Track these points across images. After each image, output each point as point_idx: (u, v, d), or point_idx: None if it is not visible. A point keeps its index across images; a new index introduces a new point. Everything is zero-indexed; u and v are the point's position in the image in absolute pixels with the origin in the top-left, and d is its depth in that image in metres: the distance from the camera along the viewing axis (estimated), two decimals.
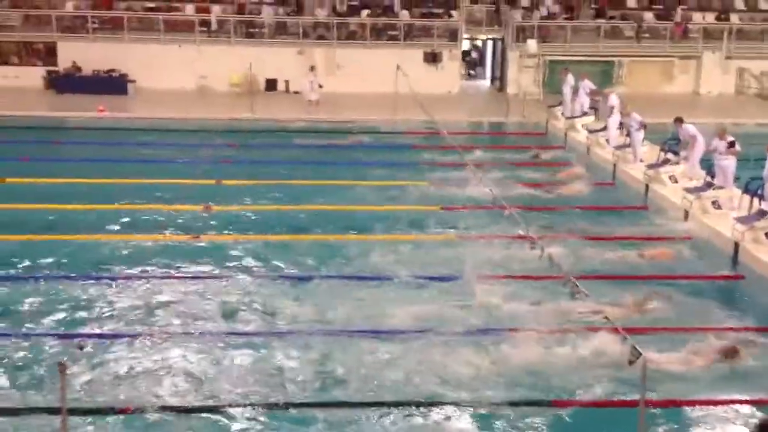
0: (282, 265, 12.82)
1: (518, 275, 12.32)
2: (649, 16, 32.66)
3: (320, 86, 26.67)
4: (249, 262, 12.94)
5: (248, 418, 8.52)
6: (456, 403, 8.82)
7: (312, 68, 27.18)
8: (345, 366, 9.59)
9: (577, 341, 10.07)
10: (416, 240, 14.21)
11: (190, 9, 31.13)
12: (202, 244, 13.75)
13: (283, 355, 9.88)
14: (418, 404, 8.80)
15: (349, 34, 31.28)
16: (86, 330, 10.41)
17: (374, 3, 32.63)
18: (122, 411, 8.49)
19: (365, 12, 31.82)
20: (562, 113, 24.58)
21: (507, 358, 9.78)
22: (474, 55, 37.11)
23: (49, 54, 29.88)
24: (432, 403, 8.81)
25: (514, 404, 8.81)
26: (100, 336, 10.22)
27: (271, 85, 30.12)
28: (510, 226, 13.65)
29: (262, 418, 8.53)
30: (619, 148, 19.86)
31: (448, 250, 13.63)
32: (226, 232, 14.45)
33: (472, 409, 8.74)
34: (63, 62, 29.36)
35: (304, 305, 11.33)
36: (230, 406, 8.73)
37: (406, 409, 8.69)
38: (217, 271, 12.54)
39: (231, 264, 12.84)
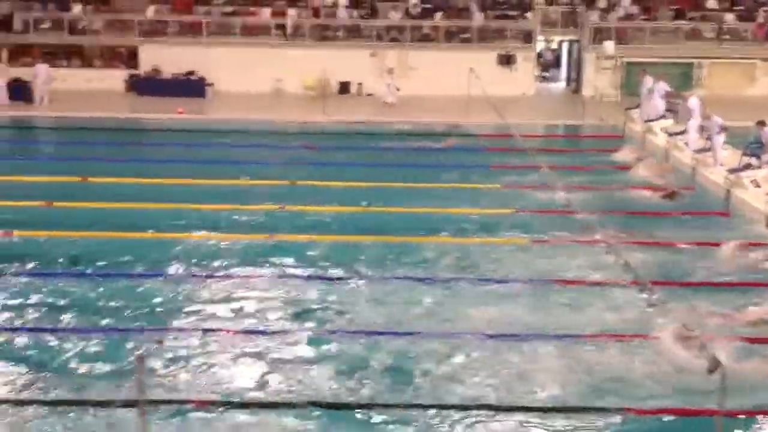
0: (354, 266, 12.88)
1: (593, 280, 12.13)
2: (730, 17, 31.69)
3: (397, 89, 26.78)
4: (322, 262, 13.05)
5: (318, 417, 8.58)
6: (530, 408, 8.73)
7: (390, 71, 27.31)
8: (419, 368, 9.59)
9: (657, 347, 9.85)
10: (489, 243, 14.10)
11: (266, 13, 31.61)
12: (276, 243, 13.93)
13: (356, 355, 9.92)
14: (491, 407, 8.72)
15: (423, 36, 31.29)
16: (165, 325, 10.66)
17: (448, 5, 32.58)
18: (197, 404, 8.67)
19: (439, 14, 31.80)
20: (640, 116, 24.09)
21: (581, 364, 9.63)
22: (549, 57, 36.68)
23: (130, 57, 30.77)
24: (506, 408, 8.72)
25: (588, 410, 8.66)
26: (178, 331, 10.45)
27: (344, 87, 30.37)
28: (585, 230, 13.43)
29: (332, 418, 8.58)
30: (699, 151, 19.35)
31: (521, 254, 13.50)
32: (299, 232, 14.60)
33: (546, 414, 8.63)
34: (144, 65, 30.20)
35: (376, 306, 11.37)
36: (303, 404, 8.80)
37: (478, 413, 8.63)
38: (290, 271, 12.69)
39: (304, 263, 12.97)
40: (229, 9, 31.82)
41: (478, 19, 31.48)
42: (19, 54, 30.25)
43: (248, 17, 31.45)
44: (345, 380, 9.33)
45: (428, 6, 32.44)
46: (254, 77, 29.67)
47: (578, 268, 12.78)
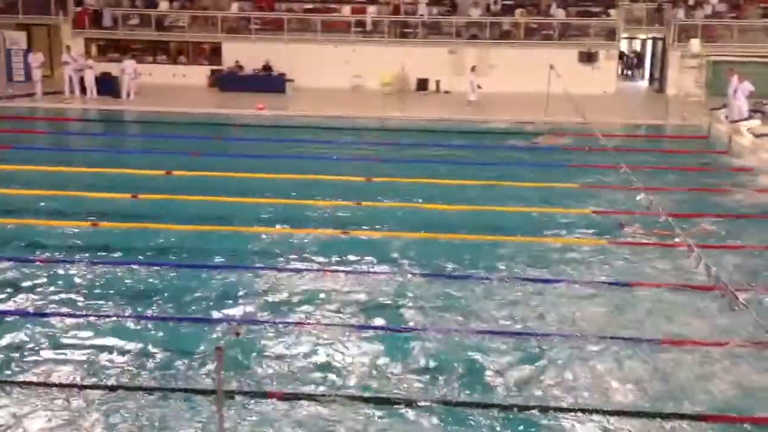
0: (429, 263, 12.90)
1: (672, 283, 11.85)
2: None
3: (479, 87, 26.69)
4: (397, 258, 13.10)
5: (393, 413, 8.63)
6: (608, 412, 8.60)
7: (473, 68, 27.23)
8: (493, 366, 9.55)
9: (744, 356, 9.58)
10: (565, 243, 13.93)
11: (346, 10, 31.90)
12: (352, 239, 14.06)
13: (429, 352, 9.95)
14: (568, 410, 8.63)
15: (503, 33, 31.05)
16: (243, 317, 10.89)
17: (529, 2, 32.23)
18: (273, 396, 8.83)
19: (519, 11, 31.50)
20: (726, 116, 23.38)
21: (658, 368, 9.44)
22: (631, 54, 35.93)
23: (214, 54, 31.50)
24: (586, 410, 8.62)
25: (667, 416, 8.49)
26: (256, 323, 10.66)
27: (422, 84, 30.39)
28: (665, 232, 13.10)
29: (408, 415, 8.61)
30: None
31: (598, 255, 13.29)
32: (375, 228, 14.69)
33: (622, 417, 8.49)
34: (227, 61, 30.84)
35: (453, 304, 11.37)
36: (379, 400, 8.86)
37: (556, 415, 8.55)
38: (365, 267, 12.79)
39: (379, 259, 13.05)
40: (310, 6, 32.22)
41: (559, 15, 31.06)
42: (107, 49, 31.31)
43: (328, 14, 31.77)
44: (420, 377, 9.36)
45: (509, 2, 32.18)
46: (333, 74, 30.00)
47: (657, 270, 12.52)
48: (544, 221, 15.01)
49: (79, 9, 31.20)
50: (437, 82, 30.33)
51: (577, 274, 12.41)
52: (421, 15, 31.28)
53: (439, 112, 26.33)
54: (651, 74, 33.34)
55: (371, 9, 31.87)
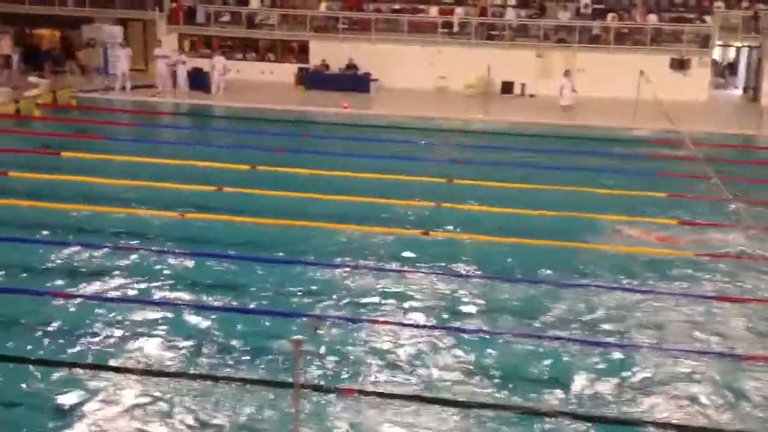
0: (509, 268, 12.80)
1: (763, 298, 11.48)
2: None
3: (574, 91, 26.37)
4: (476, 260, 13.05)
5: (468, 416, 8.60)
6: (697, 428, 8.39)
7: (567, 72, 26.88)
8: (574, 375, 9.42)
9: None
10: (650, 253, 13.62)
11: (434, 11, 31.89)
12: (431, 240, 14.06)
13: (505, 357, 9.87)
14: (657, 425, 8.45)
15: (592, 37, 30.54)
16: (323, 313, 11.01)
17: (621, 6, 31.61)
18: (349, 393, 8.91)
19: (611, 15, 30.92)
20: None
21: (745, 385, 9.14)
22: (724, 62, 34.86)
23: (301, 52, 31.94)
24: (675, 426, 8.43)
25: None
26: (335, 319, 10.78)
27: (507, 87, 30.15)
28: (759, 245, 12.67)
29: (483, 419, 8.57)
30: None
31: (685, 267, 12.94)
32: (454, 230, 14.65)
33: None
34: (314, 60, 31.23)
35: (525, 309, 11.26)
36: (452, 402, 8.85)
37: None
38: (444, 268, 12.77)
39: (459, 261, 13.02)
40: (397, 6, 32.35)
41: (652, 21, 30.36)
42: (199, 45, 32.11)
43: (416, 15, 31.82)
44: (495, 381, 9.30)
45: (600, 6, 31.62)
46: (418, 74, 30.04)
47: (745, 284, 12.12)
48: (629, 229, 14.67)
49: (174, 5, 32.09)
50: (522, 86, 30.05)
51: (664, 284, 12.12)
52: (509, 20, 31.01)
53: (524, 115, 26.08)
54: (746, 83, 32.26)
55: (459, 10, 31.78)
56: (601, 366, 9.66)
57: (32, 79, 26.68)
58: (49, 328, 10.31)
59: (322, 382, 9.08)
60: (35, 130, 23.15)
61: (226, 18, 32.44)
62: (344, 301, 11.42)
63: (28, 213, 14.77)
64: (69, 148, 19.70)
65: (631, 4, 31.69)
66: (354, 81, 30.20)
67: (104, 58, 30.83)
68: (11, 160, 18.63)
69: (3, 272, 12.03)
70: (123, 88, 28.26)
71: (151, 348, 9.93)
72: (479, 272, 12.59)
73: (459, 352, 10.01)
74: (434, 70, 30.21)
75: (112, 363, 9.51)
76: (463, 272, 12.57)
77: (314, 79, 30.51)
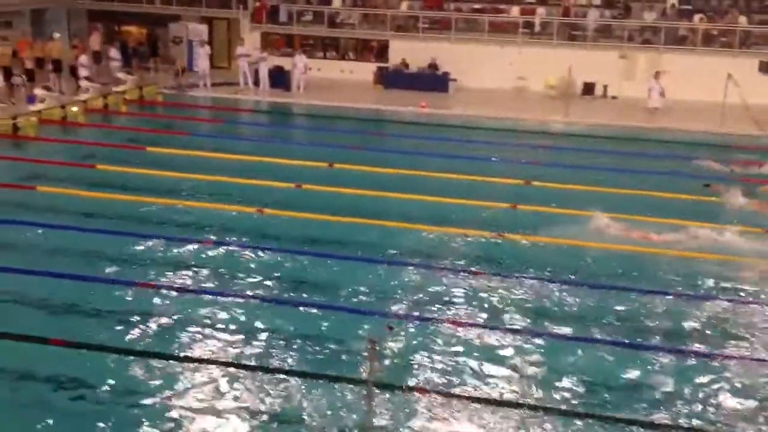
0: (584, 272, 12.61)
1: None
2: None
3: (662, 94, 25.79)
4: (550, 265, 12.90)
5: (543, 421, 8.52)
6: None
7: (656, 74, 26.31)
8: (655, 383, 9.26)
9: None
10: (734, 262, 13.22)
11: (515, 11, 31.59)
12: (507, 242, 13.95)
13: (579, 363, 9.74)
14: None
15: (678, 38, 29.75)
16: (397, 312, 11.05)
17: (709, 7, 30.70)
18: (420, 392, 8.93)
19: (698, 16, 30.07)
20: None
21: None
22: None
23: (381, 51, 32.05)
24: None
25: None
26: (409, 319, 10.81)
27: (588, 88, 29.62)
28: None
29: (560, 424, 8.48)
30: None
31: None
32: (531, 232, 14.49)
33: None
34: (393, 59, 31.32)
35: (603, 316, 11.08)
36: (524, 405, 8.78)
37: None
38: (518, 271, 12.67)
39: (534, 265, 12.89)
40: (478, 6, 32.16)
41: (741, 22, 29.40)
42: (281, 43, 32.57)
43: (496, 15, 31.59)
44: (572, 387, 9.19)
45: (687, 7, 30.79)
46: (497, 74, 29.79)
47: None
48: (712, 237, 14.26)
49: (257, 4, 32.62)
50: (604, 87, 29.47)
51: (752, 294, 11.78)
52: (594, 21, 30.45)
53: (605, 117, 25.59)
54: None
55: (540, 10, 31.40)
56: (686, 376, 9.43)
57: (120, 75, 27.54)
58: (131, 318, 10.66)
59: (394, 381, 9.12)
60: (122, 124, 23.90)
61: (308, 17, 32.81)
62: (418, 301, 11.45)
63: (113, 205, 15.28)
64: (154, 143, 20.25)
65: (720, 5, 30.75)
66: (433, 80, 30.15)
67: (189, 56, 31.58)
68: (99, 154, 19.30)
69: (89, 261, 12.48)
70: (204, 85, 28.89)
71: (227, 340, 10.16)
72: (555, 276, 12.43)
73: (533, 356, 9.93)
74: (514, 70, 29.90)
75: (189, 354, 9.76)
76: (539, 276, 12.44)
77: (393, 78, 30.58)
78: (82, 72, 26.10)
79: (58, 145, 20.33)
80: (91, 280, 11.62)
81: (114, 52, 28.91)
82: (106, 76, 27.40)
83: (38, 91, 23.59)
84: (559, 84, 28.60)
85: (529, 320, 10.98)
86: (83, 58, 26.62)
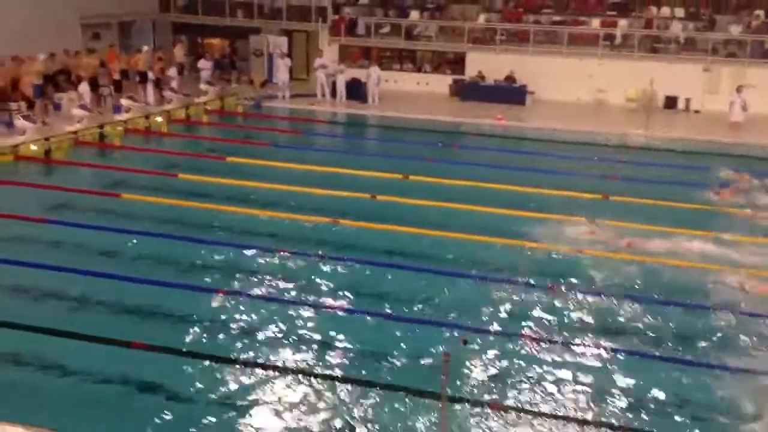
0: (664, 290, 12.31)
1: None
2: None
3: (744, 108, 25.05)
4: (629, 281, 12.64)
5: None
6: None
7: (739, 88, 25.60)
8: (720, 402, 8.97)
9: None
10: None
11: (596, 23, 31.16)
12: (585, 257, 13.72)
13: (664, 382, 9.50)
14: None
15: (763, 52, 28.85)
16: (471, 325, 10.98)
17: None
18: (494, 407, 8.85)
19: None
20: None
21: None
22: None
23: (457, 63, 32.01)
24: None
25: None
26: (483, 333, 10.73)
27: (670, 102, 28.98)
28: None
29: None
30: None
31: None
32: (608, 248, 14.22)
33: None
34: (469, 71, 31.25)
35: (688, 334, 10.81)
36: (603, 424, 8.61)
37: None
38: (598, 287, 12.45)
39: (613, 282, 12.65)
40: (558, 18, 31.84)
41: None
42: (357, 55, 32.87)
43: (576, 27, 31.21)
44: (654, 407, 8.99)
45: None
46: (576, 87, 29.42)
47: None
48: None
49: (336, 17, 33.03)
50: (687, 101, 28.78)
51: None
52: (677, 35, 29.78)
53: (687, 131, 24.98)
54: None
55: (622, 22, 30.88)
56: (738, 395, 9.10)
57: (202, 86, 28.22)
58: (210, 324, 10.88)
59: (468, 395, 9.06)
60: (203, 134, 24.45)
61: (385, 30, 33.04)
62: (493, 315, 11.36)
63: (193, 213, 15.63)
64: (233, 153, 20.67)
65: None
66: (509, 93, 29.95)
67: (269, 68, 32.16)
68: (181, 163, 19.80)
69: (169, 267, 12.80)
70: (283, 97, 29.36)
71: (302, 349, 10.26)
72: (634, 293, 12.17)
73: (610, 374, 9.73)
74: (593, 82, 29.48)
75: (264, 361, 9.89)
76: (618, 292, 12.19)
77: (469, 91, 30.50)
78: (167, 83, 26.87)
79: (142, 153, 20.94)
80: (171, 286, 11.89)
81: (203, 63, 29.72)
82: (189, 87, 28.11)
83: (124, 101, 24.40)
84: (640, 97, 28.05)
85: (607, 337, 10.77)
86: (172, 70, 27.45)
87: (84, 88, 23.60)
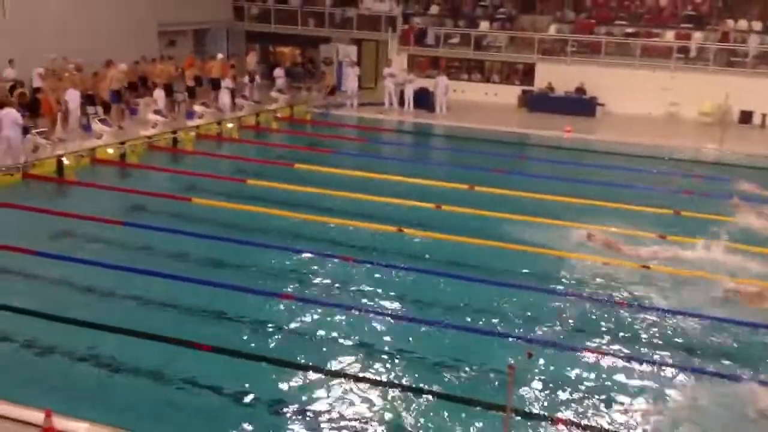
0: (742, 311, 11.99)
1: None
2: None
3: None
4: (700, 300, 12.34)
5: None
6: None
7: None
8: None
9: None
10: None
11: (670, 35, 30.60)
12: (653, 273, 13.46)
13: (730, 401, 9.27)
14: None
15: None
16: (537, 338, 10.89)
17: None
18: (559, 423, 8.74)
19: None
20: None
21: None
22: None
23: (526, 74, 31.83)
24: None
25: None
26: (549, 346, 10.63)
27: (746, 117, 28.26)
28: None
29: None
30: None
31: None
32: (680, 265, 13.91)
33: None
34: (539, 82, 31.01)
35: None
36: None
37: None
38: (667, 304, 12.21)
39: (680, 298, 12.38)
40: (631, 30, 31.37)
41: None
42: (425, 65, 32.95)
43: (650, 39, 30.68)
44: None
45: None
46: (648, 100, 28.95)
47: None
48: None
49: (406, 27, 33.19)
50: (763, 116, 28.02)
51: None
52: (754, 47, 29.02)
53: (763, 147, 24.30)
54: None
55: (697, 35, 30.26)
56: None
57: (273, 94, 28.68)
58: (273, 327, 11.04)
59: (532, 409, 8.99)
60: (272, 141, 24.82)
61: (455, 40, 33.04)
62: (560, 329, 11.24)
63: (261, 218, 15.88)
64: (301, 159, 20.92)
65: None
66: (579, 104, 29.62)
67: (338, 76, 32.48)
68: (250, 169, 20.13)
69: (236, 272, 13.03)
70: (351, 105, 29.62)
71: (365, 356, 10.31)
72: (707, 312, 11.88)
73: (676, 392, 9.52)
74: (666, 95, 28.94)
75: (325, 366, 9.97)
76: (689, 309, 11.93)
77: (538, 102, 30.27)
78: (239, 90, 27.39)
79: (213, 159, 21.37)
80: (236, 289, 12.08)
81: (278, 71, 30.25)
82: (260, 95, 28.59)
83: (197, 107, 24.96)
84: (714, 111, 27.43)
85: (672, 354, 10.55)
86: (244, 78, 28.00)
87: (159, 93, 24.23)
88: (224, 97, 26.29)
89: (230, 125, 24.69)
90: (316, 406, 9.03)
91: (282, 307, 11.68)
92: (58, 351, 10.19)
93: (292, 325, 11.14)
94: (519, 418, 8.64)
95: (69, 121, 21.03)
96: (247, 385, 9.40)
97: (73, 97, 21.16)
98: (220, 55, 29.05)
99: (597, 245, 14.60)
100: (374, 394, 9.30)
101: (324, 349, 10.50)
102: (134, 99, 24.86)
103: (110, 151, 20.24)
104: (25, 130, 19.34)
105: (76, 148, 19.77)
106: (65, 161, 18.59)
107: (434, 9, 34.46)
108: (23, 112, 19.97)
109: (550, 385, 9.63)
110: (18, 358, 10.02)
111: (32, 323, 10.71)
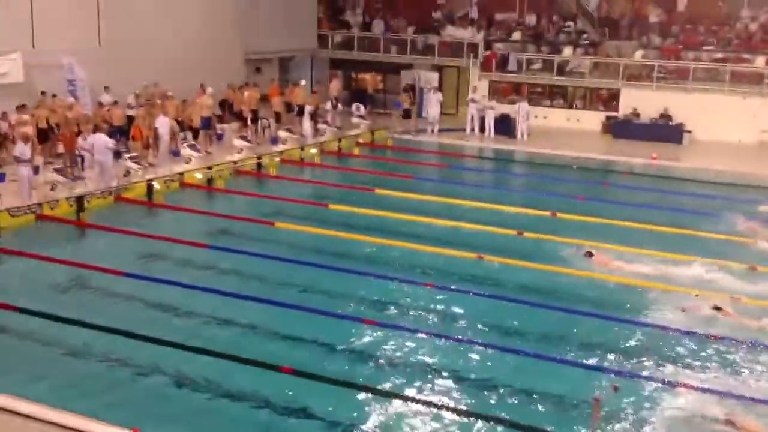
0: None
1: None
2: None
3: None
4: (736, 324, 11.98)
5: None
6: None
7: None
8: None
9: None
10: None
11: (760, 61, 29.71)
12: (739, 306, 13.03)
13: None
14: None
15: None
16: (623, 372, 10.69)
17: None
18: None
19: None
20: None
21: None
22: None
23: (610, 100, 31.36)
24: None
25: None
26: (635, 379, 10.42)
27: None
28: None
29: None
30: None
31: None
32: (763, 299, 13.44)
33: None
34: (623, 108, 30.52)
35: None
36: None
37: None
38: (756, 338, 11.80)
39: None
40: (720, 55, 30.58)
41: None
42: (507, 91, 32.82)
43: (739, 64, 29.86)
44: None
45: None
46: (738, 126, 28.16)
47: None
48: None
49: (487, 53, 33.19)
50: None
51: None
52: None
53: None
54: None
55: None
56: None
57: (355, 119, 29.05)
58: (354, 352, 11.13)
59: None
60: (353, 166, 25.11)
61: (537, 66, 32.86)
62: (647, 362, 11.00)
63: (342, 243, 16.04)
64: (382, 185, 21.08)
65: None
66: (665, 131, 29.00)
67: (419, 102, 32.65)
68: (332, 194, 20.40)
69: (319, 296, 13.20)
70: (432, 131, 29.74)
71: (446, 383, 10.30)
72: (736, 336, 11.52)
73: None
74: (757, 123, 28.07)
75: (406, 393, 9.99)
76: (726, 336, 11.60)
77: (622, 128, 29.77)
78: (322, 116, 27.85)
79: (296, 183, 21.74)
80: (320, 313, 12.22)
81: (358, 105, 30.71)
82: (342, 121, 28.99)
83: (281, 133, 25.47)
84: None
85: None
86: (327, 104, 28.48)
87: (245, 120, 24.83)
88: (306, 123, 26.76)
89: (313, 151, 25.10)
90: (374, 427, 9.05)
91: (361, 331, 11.76)
92: (148, 371, 10.46)
93: (370, 350, 11.20)
94: None
95: (159, 147, 21.75)
96: (330, 409, 9.48)
97: (163, 124, 21.89)
98: (303, 82, 29.61)
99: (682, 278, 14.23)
100: (455, 423, 9.26)
101: (402, 374, 10.52)
102: (219, 125, 25.52)
103: (198, 176, 20.83)
104: (118, 154, 20.11)
105: (165, 173, 20.43)
106: (155, 185, 19.24)
107: (516, 35, 34.37)
108: (118, 137, 20.79)
109: (636, 418, 9.41)
110: (109, 377, 10.35)
111: (125, 343, 11.03)
